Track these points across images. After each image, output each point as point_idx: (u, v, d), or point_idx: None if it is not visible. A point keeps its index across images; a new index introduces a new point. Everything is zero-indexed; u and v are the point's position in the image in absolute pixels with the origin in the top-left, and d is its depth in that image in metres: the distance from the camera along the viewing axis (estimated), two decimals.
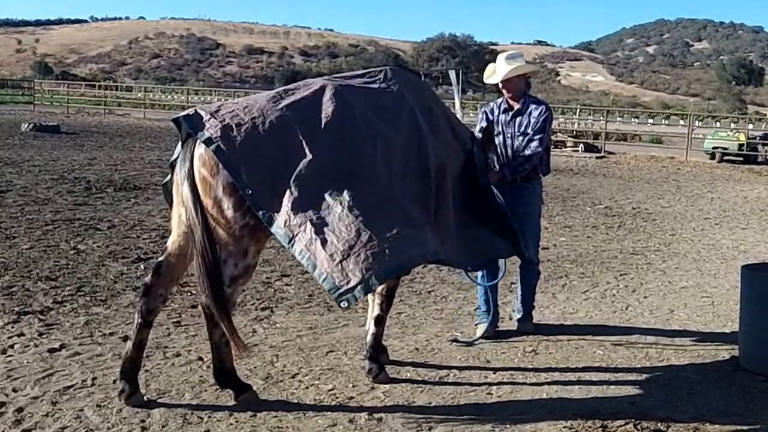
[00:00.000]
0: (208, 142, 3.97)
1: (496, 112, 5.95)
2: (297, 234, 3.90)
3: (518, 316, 6.18)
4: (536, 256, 6.11)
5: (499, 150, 5.80)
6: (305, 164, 4.03)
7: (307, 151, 4.06)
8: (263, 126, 4.06)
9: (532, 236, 5.93)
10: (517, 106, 5.87)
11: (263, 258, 7.86)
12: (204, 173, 4.04)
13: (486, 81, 6.06)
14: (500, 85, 5.88)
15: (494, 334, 5.91)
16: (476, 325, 6.07)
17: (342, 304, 3.86)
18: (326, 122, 4.19)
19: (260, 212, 3.93)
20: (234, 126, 4.02)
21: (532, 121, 5.80)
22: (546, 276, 8.10)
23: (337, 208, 3.97)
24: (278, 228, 3.92)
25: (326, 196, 4.00)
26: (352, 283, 3.83)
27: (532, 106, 5.87)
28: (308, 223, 3.91)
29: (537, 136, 5.77)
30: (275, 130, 4.06)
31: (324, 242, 3.89)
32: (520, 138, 5.81)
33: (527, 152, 5.75)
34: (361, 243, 3.90)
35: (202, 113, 4.13)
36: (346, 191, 4.02)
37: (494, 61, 6.09)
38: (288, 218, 3.91)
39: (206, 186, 4.03)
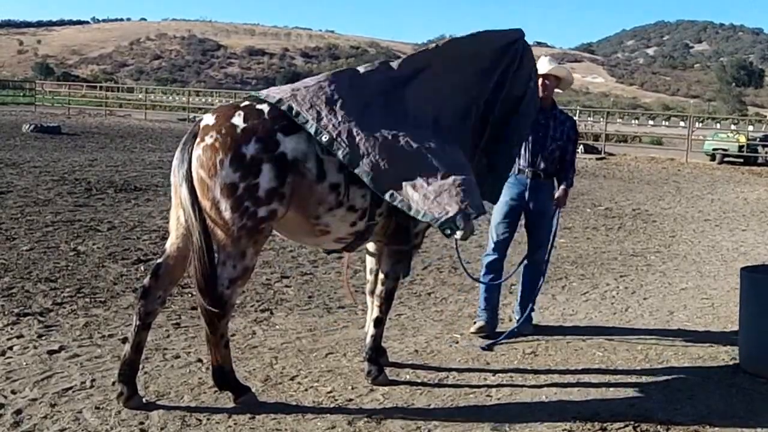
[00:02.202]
0: (279, 102, 4.21)
1: None
2: (382, 177, 4.23)
3: (518, 317, 6.20)
4: (547, 254, 6.17)
5: (527, 147, 5.96)
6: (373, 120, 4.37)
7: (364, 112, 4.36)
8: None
9: (548, 233, 6.11)
10: (552, 112, 6.12)
11: (263, 259, 7.86)
12: (202, 174, 4.03)
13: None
14: (539, 81, 5.84)
15: (493, 334, 5.92)
16: (474, 321, 6.11)
17: (446, 232, 4.29)
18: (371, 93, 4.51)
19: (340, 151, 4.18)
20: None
21: (567, 130, 6.12)
22: (546, 277, 8.09)
23: (415, 158, 4.33)
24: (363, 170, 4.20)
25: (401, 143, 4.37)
26: (451, 213, 4.21)
27: (562, 115, 6.23)
28: (391, 168, 4.24)
29: (574, 146, 6.25)
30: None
31: (414, 186, 4.24)
32: (559, 143, 6.06)
33: (573, 163, 6.20)
34: (447, 184, 4.27)
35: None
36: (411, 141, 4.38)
37: None
38: (370, 161, 4.23)
39: (204, 187, 4.03)
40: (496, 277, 6.10)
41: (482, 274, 6.12)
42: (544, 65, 6.03)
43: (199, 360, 5.06)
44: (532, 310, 6.12)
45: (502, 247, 6.13)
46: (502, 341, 5.81)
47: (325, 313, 6.44)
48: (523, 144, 5.85)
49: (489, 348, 5.70)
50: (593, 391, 4.91)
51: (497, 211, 6.06)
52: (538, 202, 6.02)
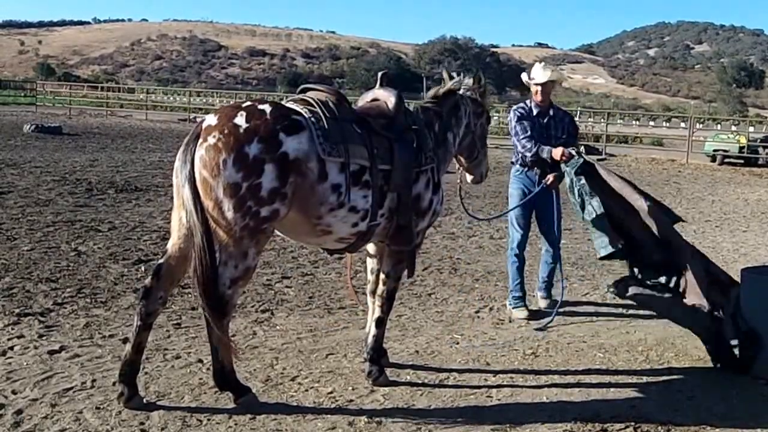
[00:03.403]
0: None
1: (533, 113, 6.72)
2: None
3: (542, 294, 7.01)
4: (558, 238, 6.94)
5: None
6: None
7: None
8: None
9: (555, 217, 6.73)
10: (551, 112, 6.75)
11: (264, 260, 7.86)
12: (205, 175, 4.03)
13: (526, 80, 6.83)
14: (538, 88, 6.66)
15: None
16: (513, 309, 6.76)
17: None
18: None
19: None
20: None
21: (566, 126, 6.74)
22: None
23: None
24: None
25: None
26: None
27: (561, 113, 6.86)
28: None
29: (575, 139, 6.85)
30: None
31: None
32: (561, 138, 6.62)
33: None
34: None
35: None
36: None
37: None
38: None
39: (207, 187, 4.03)
40: (521, 259, 6.82)
41: (510, 263, 6.86)
42: (540, 74, 6.67)
43: (200, 360, 5.07)
44: (563, 288, 6.84)
45: (523, 238, 6.83)
46: (551, 324, 6.37)
47: (325, 313, 6.45)
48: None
49: (543, 329, 6.28)
50: (594, 392, 4.91)
51: (516, 208, 6.80)
52: (545, 193, 6.61)
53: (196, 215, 4.00)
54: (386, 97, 4.84)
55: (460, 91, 5.35)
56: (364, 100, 5.06)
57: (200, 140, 4.08)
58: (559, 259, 6.94)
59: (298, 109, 4.38)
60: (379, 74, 5.11)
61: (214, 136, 4.05)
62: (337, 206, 4.31)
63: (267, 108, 4.21)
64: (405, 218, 4.66)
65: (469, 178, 5.76)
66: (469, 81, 5.45)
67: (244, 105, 4.25)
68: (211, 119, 4.17)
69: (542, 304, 6.96)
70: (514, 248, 6.81)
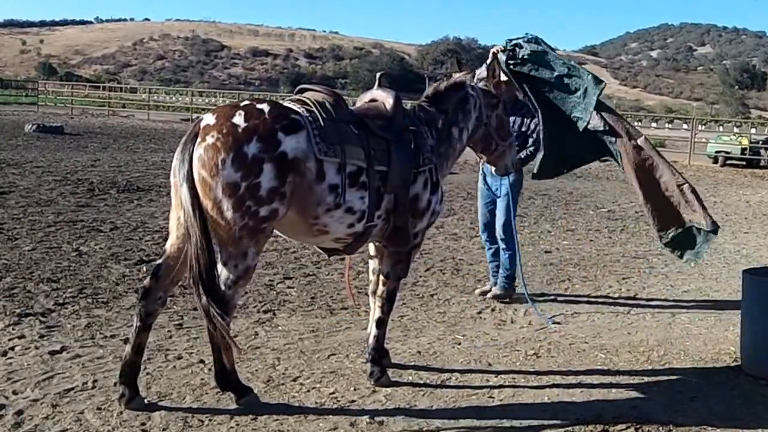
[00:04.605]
0: None
1: None
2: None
3: (493, 281, 7.38)
4: (502, 230, 7.18)
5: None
6: None
7: None
8: None
9: (505, 211, 7.13)
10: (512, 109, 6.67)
11: (266, 260, 7.87)
12: (203, 174, 4.02)
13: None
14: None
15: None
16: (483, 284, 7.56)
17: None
18: None
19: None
20: None
21: (529, 122, 7.02)
22: (548, 279, 8.13)
23: None
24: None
25: None
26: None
27: (524, 109, 6.90)
28: None
29: (532, 138, 6.99)
30: None
31: None
32: (523, 131, 7.04)
33: (530, 150, 6.96)
34: None
35: None
36: None
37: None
38: None
39: (206, 187, 4.02)
40: (487, 242, 7.48)
41: (486, 249, 7.54)
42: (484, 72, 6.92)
43: (202, 361, 5.06)
44: (513, 279, 7.21)
45: (487, 225, 7.39)
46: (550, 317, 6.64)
47: (327, 314, 6.44)
48: None
49: (557, 322, 6.57)
50: (595, 393, 4.91)
51: (479, 197, 7.52)
52: (502, 186, 7.12)
53: (194, 215, 3.99)
54: (384, 97, 4.82)
55: (473, 83, 5.21)
56: (362, 100, 5.04)
57: (198, 139, 4.07)
58: (515, 252, 7.17)
59: (295, 108, 4.37)
60: (378, 75, 5.10)
61: (213, 136, 4.03)
62: (334, 207, 4.30)
63: (265, 107, 4.20)
64: (402, 219, 4.65)
65: (493, 169, 5.77)
66: (483, 72, 5.33)
67: (242, 104, 4.24)
68: (209, 118, 4.16)
69: (496, 291, 7.22)
70: (484, 239, 7.54)
